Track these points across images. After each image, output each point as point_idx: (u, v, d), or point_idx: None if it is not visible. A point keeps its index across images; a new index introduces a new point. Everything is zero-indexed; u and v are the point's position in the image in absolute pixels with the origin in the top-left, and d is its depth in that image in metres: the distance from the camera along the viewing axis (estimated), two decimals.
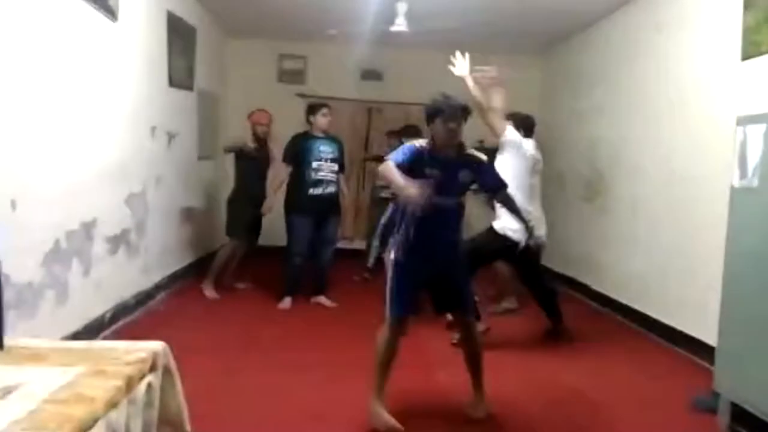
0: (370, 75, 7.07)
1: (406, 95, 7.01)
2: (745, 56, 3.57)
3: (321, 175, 4.73)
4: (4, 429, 1.35)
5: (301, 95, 6.95)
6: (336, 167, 4.82)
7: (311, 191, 4.70)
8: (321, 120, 4.77)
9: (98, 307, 3.63)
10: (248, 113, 5.18)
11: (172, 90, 4.89)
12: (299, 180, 4.73)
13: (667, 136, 4.46)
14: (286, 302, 4.76)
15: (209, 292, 4.96)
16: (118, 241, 3.90)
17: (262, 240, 5.39)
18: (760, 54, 3.46)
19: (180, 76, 5.07)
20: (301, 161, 4.72)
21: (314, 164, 4.71)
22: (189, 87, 5.36)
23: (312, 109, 4.84)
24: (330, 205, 4.83)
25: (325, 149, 4.77)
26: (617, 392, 3.40)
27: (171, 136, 4.90)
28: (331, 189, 4.78)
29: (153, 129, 4.45)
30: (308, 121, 4.82)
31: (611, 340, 4.44)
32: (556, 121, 6.55)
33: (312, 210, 4.71)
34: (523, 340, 4.28)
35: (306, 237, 4.72)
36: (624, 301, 4.96)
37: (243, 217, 4.97)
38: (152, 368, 1.87)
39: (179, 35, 5.01)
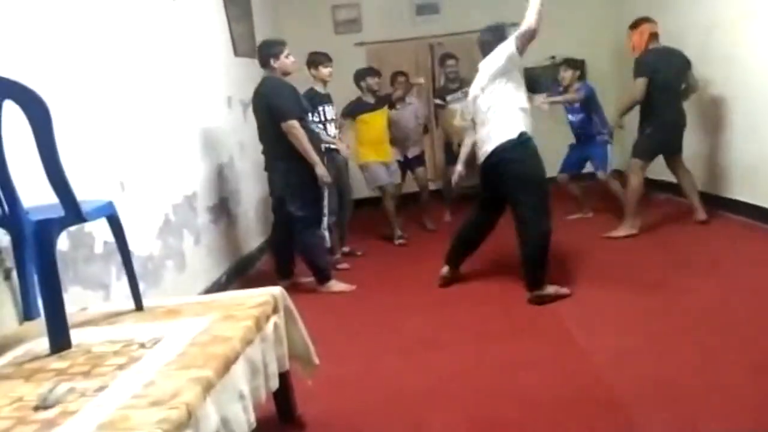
0: (426, 9, 6.88)
1: (466, 24, 6.77)
2: None
3: None
4: (159, 370, 1.51)
5: (360, 44, 6.91)
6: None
7: None
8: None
9: (214, 271, 3.90)
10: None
11: (239, 60, 5.01)
12: None
13: (761, 11, 4.08)
14: None
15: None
16: (218, 210, 4.14)
17: None
18: None
19: (244, 45, 5.17)
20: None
21: None
22: (253, 55, 5.45)
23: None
24: None
25: None
26: (733, 284, 3.27)
27: (246, 105, 5.04)
28: None
29: (228, 99, 4.60)
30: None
31: (720, 234, 4.27)
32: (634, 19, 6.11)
33: None
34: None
35: None
36: (730, 195, 4.70)
37: None
38: (275, 310, 2.01)
39: (235, 5, 5.08)
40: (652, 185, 5.93)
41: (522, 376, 2.52)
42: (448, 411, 2.31)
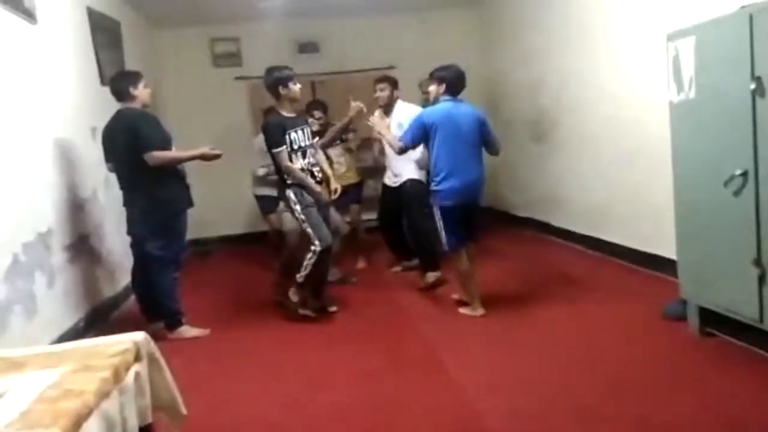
0: (307, 48, 6.97)
1: (346, 64, 6.96)
2: None
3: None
4: None
5: (241, 78, 6.84)
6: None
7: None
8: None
9: (70, 316, 3.56)
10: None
11: (106, 89, 4.72)
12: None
13: (606, 64, 4.59)
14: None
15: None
16: (77, 248, 3.80)
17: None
18: None
19: (112, 75, 4.90)
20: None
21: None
22: None
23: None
24: None
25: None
26: (588, 314, 3.55)
27: None
28: None
29: (93, 130, 4.31)
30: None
31: (577, 269, 4.60)
32: (500, 67, 6.62)
33: None
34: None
35: None
36: (584, 231, 5.14)
37: None
38: (137, 358, 1.87)
39: (104, 31, 4.83)
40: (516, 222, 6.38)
41: (401, 411, 2.53)
42: None
